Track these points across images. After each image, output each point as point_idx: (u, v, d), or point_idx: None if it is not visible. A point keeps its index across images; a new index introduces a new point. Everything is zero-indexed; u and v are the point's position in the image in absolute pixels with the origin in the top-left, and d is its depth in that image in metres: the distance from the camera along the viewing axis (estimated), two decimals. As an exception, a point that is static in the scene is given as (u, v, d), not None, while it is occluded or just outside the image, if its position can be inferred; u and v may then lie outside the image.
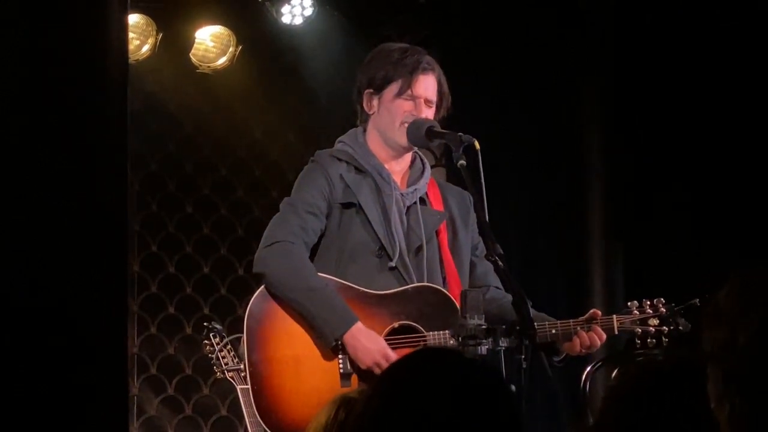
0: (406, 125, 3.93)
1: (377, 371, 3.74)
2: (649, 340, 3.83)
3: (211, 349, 4.62)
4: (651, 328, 3.83)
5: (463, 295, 3.47)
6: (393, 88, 3.94)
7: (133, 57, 5.78)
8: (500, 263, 3.50)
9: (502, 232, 3.65)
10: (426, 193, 4.03)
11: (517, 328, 3.36)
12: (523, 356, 3.33)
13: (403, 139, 3.95)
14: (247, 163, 6.45)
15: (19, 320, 1.88)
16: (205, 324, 4.74)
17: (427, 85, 3.95)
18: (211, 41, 6.11)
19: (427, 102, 3.95)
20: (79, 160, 2.00)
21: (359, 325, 3.76)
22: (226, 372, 4.57)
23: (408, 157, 4.04)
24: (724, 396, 1.61)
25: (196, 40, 6.03)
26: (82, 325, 1.93)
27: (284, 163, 6.35)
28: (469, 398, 1.87)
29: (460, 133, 3.74)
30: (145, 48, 5.90)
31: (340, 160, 3.97)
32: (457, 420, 1.85)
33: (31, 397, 1.87)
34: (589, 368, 4.27)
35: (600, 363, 4.32)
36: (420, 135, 3.88)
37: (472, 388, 1.89)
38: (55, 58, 2.01)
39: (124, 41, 2.18)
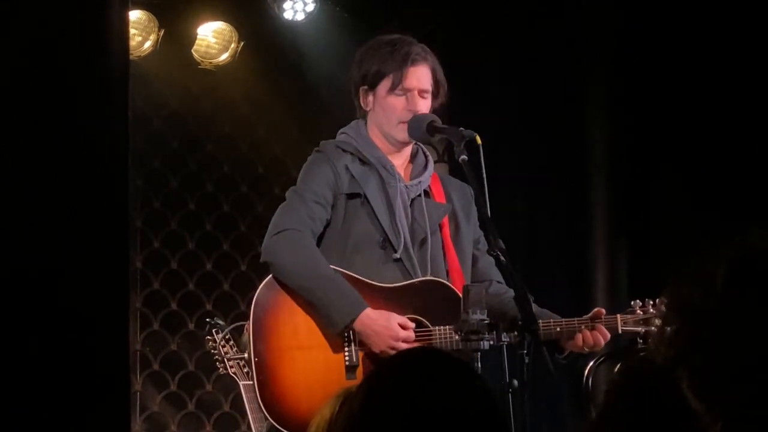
0: (404, 124, 3.93)
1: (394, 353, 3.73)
2: (651, 341, 3.82)
3: (214, 345, 4.62)
4: (654, 329, 3.83)
5: (466, 290, 3.47)
6: (385, 83, 3.93)
7: (134, 53, 5.78)
8: (502, 258, 3.50)
9: (505, 227, 3.64)
10: (429, 186, 4.03)
11: (520, 323, 3.37)
12: (525, 352, 3.34)
13: (401, 135, 3.95)
14: (249, 159, 6.45)
15: (20, 318, 1.88)
16: (207, 320, 4.74)
17: (419, 75, 3.94)
18: (213, 37, 6.12)
19: (421, 93, 3.94)
20: (81, 157, 2.00)
21: (369, 310, 3.75)
22: (228, 368, 4.56)
23: (408, 150, 4.04)
24: (708, 399, 1.60)
25: (198, 37, 6.03)
26: (84, 322, 1.93)
27: (287, 159, 6.35)
28: (443, 396, 1.95)
29: (462, 128, 3.74)
30: (147, 44, 5.90)
31: (344, 151, 3.97)
32: (435, 419, 1.91)
33: (34, 394, 1.87)
34: (591, 363, 4.27)
35: (602, 358, 4.32)
36: (421, 130, 3.88)
37: (444, 386, 1.97)
38: (56, 55, 2.01)
39: (125, 37, 2.18)
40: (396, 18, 6.06)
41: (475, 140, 3.71)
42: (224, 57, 6.15)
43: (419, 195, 3.98)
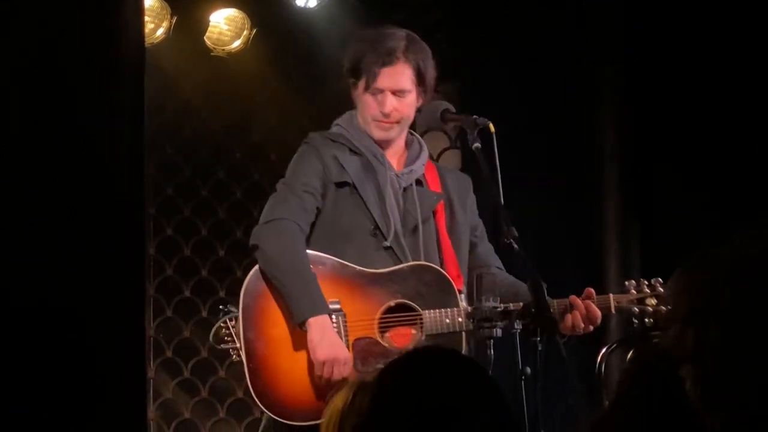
0: (377, 122, 3.95)
1: (329, 368, 3.72)
2: (647, 320, 3.84)
3: (227, 332, 4.63)
4: (648, 308, 3.84)
5: (479, 278, 3.49)
6: (362, 82, 3.96)
7: (147, 41, 5.78)
8: (515, 246, 3.51)
9: (517, 214, 3.65)
10: (423, 175, 4.05)
11: (533, 310, 3.37)
12: (538, 338, 3.34)
13: (375, 134, 3.99)
14: (262, 146, 6.45)
15: (38, 306, 1.89)
16: (220, 307, 4.75)
17: (395, 76, 3.94)
18: (225, 24, 6.11)
19: (396, 93, 3.94)
20: (97, 145, 2.01)
21: (328, 319, 3.76)
22: (241, 354, 4.57)
23: (401, 139, 4.05)
24: (710, 400, 1.60)
25: (211, 24, 6.03)
26: (100, 309, 1.94)
27: (299, 147, 6.34)
28: (452, 395, 1.98)
29: (475, 116, 3.75)
30: (160, 32, 5.90)
31: (333, 141, 4.01)
32: (444, 418, 1.95)
33: (51, 381, 1.88)
34: (604, 350, 4.28)
35: (615, 345, 4.33)
36: (435, 118, 3.90)
37: (454, 385, 2.01)
38: (71, 43, 2.01)
39: (140, 25, 2.19)
40: (405, 6, 6.07)
41: (489, 128, 3.72)
42: (236, 44, 6.14)
43: (411, 183, 4.00)
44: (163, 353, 6.04)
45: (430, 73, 3.99)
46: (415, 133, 4.12)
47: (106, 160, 2.00)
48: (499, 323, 3.43)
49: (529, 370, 3.30)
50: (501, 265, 4.06)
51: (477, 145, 3.68)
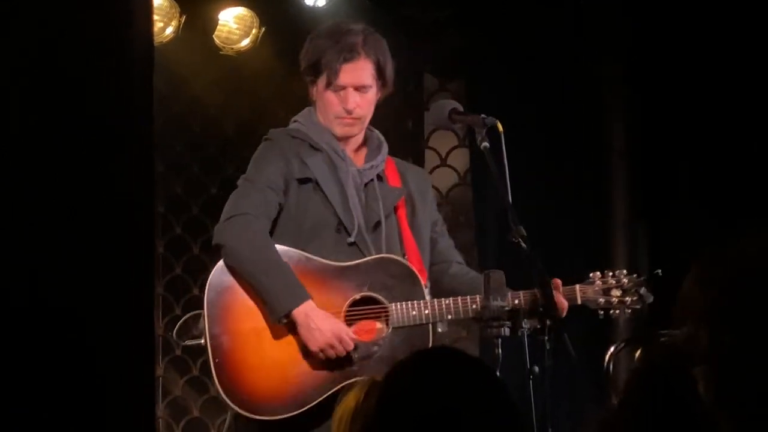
0: (340, 119, 3.96)
1: (330, 352, 3.74)
2: (612, 312, 3.89)
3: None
4: (614, 299, 3.89)
5: (486, 277, 3.49)
6: (323, 78, 3.96)
7: (156, 39, 5.78)
8: (523, 244, 3.52)
9: (524, 213, 3.65)
10: (383, 171, 4.06)
11: (541, 309, 3.38)
12: (546, 337, 3.35)
13: (338, 130, 3.99)
14: (270, 144, 6.45)
15: (45, 303, 1.90)
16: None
17: (356, 72, 3.96)
18: (234, 23, 6.12)
19: (358, 88, 3.95)
20: (105, 143, 2.01)
21: (311, 303, 3.76)
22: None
23: (360, 135, 4.06)
24: (724, 401, 1.59)
25: (219, 22, 6.04)
26: (108, 308, 1.95)
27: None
28: (459, 396, 1.99)
29: (483, 115, 3.76)
30: (169, 30, 5.91)
31: (294, 137, 4.01)
32: (450, 418, 1.96)
33: (59, 380, 1.89)
34: (612, 349, 4.28)
35: (623, 344, 4.33)
36: (443, 116, 3.90)
37: (461, 385, 2.01)
38: (79, 41, 2.02)
39: (149, 24, 2.19)
40: (414, 2, 6.06)
41: (497, 127, 3.73)
42: (245, 42, 6.15)
43: (372, 179, 4.00)
44: (172, 351, 6.05)
45: (389, 67, 4.02)
46: (374, 128, 4.13)
47: (115, 159, 2.00)
48: (506, 322, 3.44)
49: (537, 368, 3.31)
50: (461, 260, 4.11)
51: (485, 144, 3.69)
